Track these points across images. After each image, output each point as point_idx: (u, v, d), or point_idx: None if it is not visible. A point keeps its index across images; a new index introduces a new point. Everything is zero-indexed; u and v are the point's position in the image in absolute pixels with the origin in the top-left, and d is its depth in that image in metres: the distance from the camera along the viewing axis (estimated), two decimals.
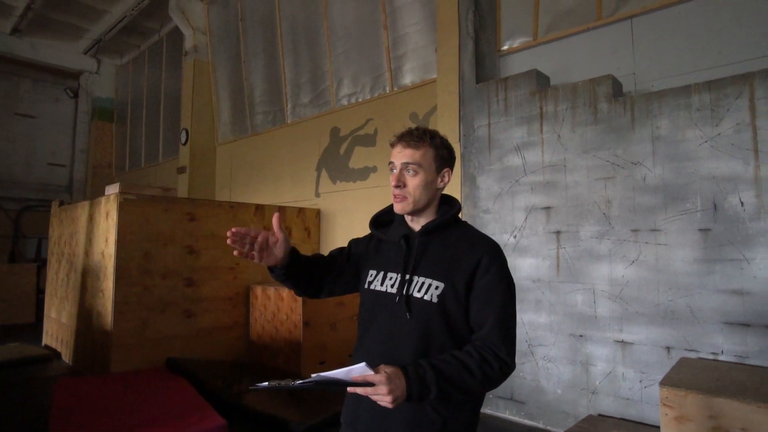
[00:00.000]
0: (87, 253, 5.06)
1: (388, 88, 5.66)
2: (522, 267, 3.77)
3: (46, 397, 3.91)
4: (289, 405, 3.72)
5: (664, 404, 2.34)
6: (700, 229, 3.01)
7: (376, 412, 1.21)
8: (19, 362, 5.28)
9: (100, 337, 4.56)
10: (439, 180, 1.32)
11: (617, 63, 3.81)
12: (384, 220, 1.43)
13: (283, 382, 1.04)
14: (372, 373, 1.03)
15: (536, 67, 3.98)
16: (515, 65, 4.44)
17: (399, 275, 1.29)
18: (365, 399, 1.21)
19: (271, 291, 5.05)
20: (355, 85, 6.05)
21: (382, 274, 1.34)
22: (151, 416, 3.19)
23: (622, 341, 3.27)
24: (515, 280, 4.14)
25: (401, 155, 1.28)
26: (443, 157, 1.31)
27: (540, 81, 3.86)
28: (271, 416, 3.54)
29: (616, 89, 3.51)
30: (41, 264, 8.87)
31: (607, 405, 3.30)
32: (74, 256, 5.46)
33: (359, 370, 1.04)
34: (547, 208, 3.68)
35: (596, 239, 3.42)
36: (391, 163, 1.31)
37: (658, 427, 2.57)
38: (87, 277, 5.00)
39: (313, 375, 1.04)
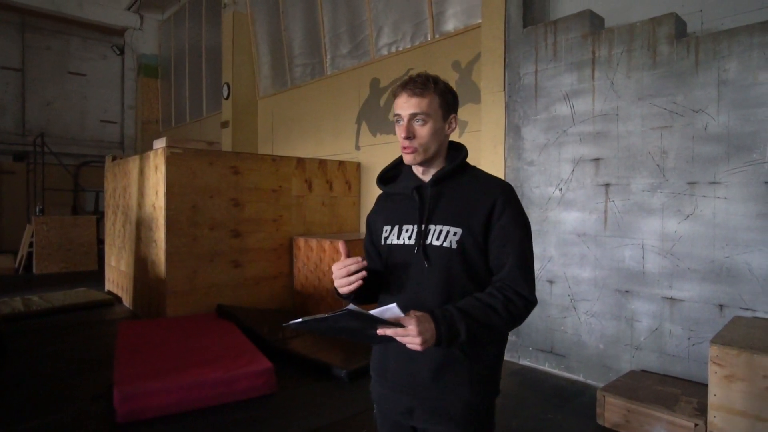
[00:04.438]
0: (140, 205, 5.31)
1: (429, 36, 5.44)
2: (567, 221, 3.66)
3: (111, 337, 4.25)
4: (333, 351, 3.88)
5: (714, 362, 2.27)
6: (766, 182, 2.80)
7: (403, 359, 1.26)
8: (87, 305, 5.78)
9: (155, 284, 4.86)
10: (447, 127, 1.31)
11: (682, 0, 3.47)
12: (391, 175, 1.43)
13: (318, 316, 1.07)
14: (402, 315, 1.06)
15: (590, 7, 3.68)
16: (566, 6, 4.12)
17: (415, 226, 1.29)
18: (392, 349, 1.26)
19: (313, 242, 5.17)
20: (396, 34, 5.84)
21: (397, 227, 1.33)
22: (206, 357, 3.40)
23: (671, 298, 3.16)
24: (559, 235, 3.97)
25: (407, 105, 1.25)
26: (449, 102, 1.29)
27: (593, 22, 3.58)
28: (315, 360, 3.71)
29: (680, 29, 3.21)
30: (99, 216, 9.43)
31: (651, 361, 3.24)
32: (128, 208, 5.75)
33: (392, 310, 1.05)
34: (597, 160, 3.51)
35: (648, 192, 3.25)
36: (397, 115, 1.28)
37: (705, 385, 2.51)
38: (141, 228, 5.27)
39: (348, 306, 1.04)
